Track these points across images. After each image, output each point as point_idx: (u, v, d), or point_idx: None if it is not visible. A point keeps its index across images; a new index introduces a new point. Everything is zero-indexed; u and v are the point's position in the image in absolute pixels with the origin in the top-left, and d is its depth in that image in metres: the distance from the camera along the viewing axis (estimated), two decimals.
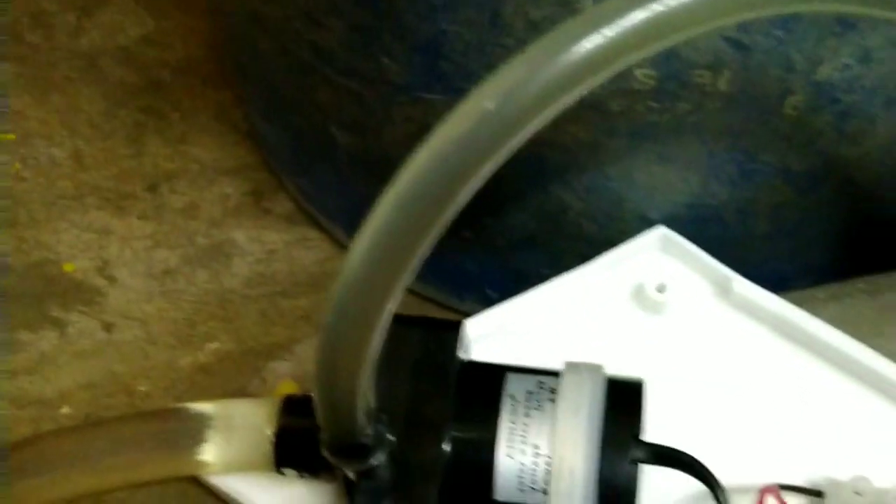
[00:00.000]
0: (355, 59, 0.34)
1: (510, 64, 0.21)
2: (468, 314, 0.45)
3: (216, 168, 0.51)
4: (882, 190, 0.38)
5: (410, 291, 0.47)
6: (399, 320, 0.30)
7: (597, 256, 0.38)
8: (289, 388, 0.45)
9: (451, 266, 0.43)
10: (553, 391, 0.29)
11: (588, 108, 0.32)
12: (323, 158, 0.42)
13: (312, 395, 0.26)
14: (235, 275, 0.48)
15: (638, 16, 0.20)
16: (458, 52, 0.31)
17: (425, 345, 0.30)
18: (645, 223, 0.38)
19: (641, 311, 0.37)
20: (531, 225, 0.38)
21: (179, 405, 0.33)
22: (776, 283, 0.38)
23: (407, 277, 0.22)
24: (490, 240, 0.40)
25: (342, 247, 0.48)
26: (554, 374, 0.30)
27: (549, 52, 0.20)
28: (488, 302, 0.44)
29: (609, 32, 0.20)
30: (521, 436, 0.29)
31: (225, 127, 0.52)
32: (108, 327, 0.46)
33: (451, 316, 0.46)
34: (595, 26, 0.20)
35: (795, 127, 0.33)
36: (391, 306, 0.23)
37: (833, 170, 0.35)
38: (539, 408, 0.29)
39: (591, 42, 0.20)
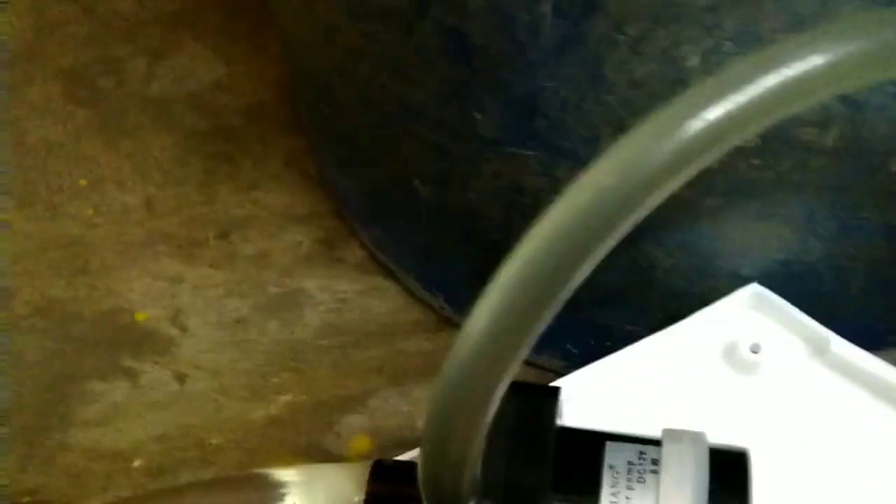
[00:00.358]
0: (444, 113, 0.33)
1: (631, 134, 0.20)
2: (545, 368, 0.45)
3: (287, 216, 0.51)
4: None
5: None
6: None
7: (688, 314, 0.37)
8: (363, 443, 0.44)
9: None
10: (655, 462, 0.28)
11: None
12: (401, 209, 0.41)
13: (417, 462, 0.25)
14: (307, 325, 0.47)
15: (768, 81, 0.20)
16: (555, 108, 0.30)
17: (522, 411, 0.29)
18: (737, 280, 0.37)
19: (734, 371, 0.36)
20: (618, 281, 0.37)
21: (259, 471, 0.32)
22: (871, 341, 0.36)
23: (522, 355, 0.22)
24: (574, 295, 0.39)
25: (414, 297, 0.47)
26: (654, 442, 0.29)
27: (675, 121, 0.20)
28: (567, 356, 0.43)
29: (740, 98, 0.19)
30: None
31: (296, 174, 0.52)
32: (180, 378, 0.45)
33: (533, 373, 0.45)
34: (721, 93, 0.19)
35: None
36: (505, 382, 0.22)
37: None
38: (641, 480, 0.28)
39: (716, 111, 0.19)
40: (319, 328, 0.47)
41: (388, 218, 0.44)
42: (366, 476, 0.30)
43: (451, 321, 0.46)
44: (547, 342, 0.43)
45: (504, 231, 0.38)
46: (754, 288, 0.36)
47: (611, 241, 0.21)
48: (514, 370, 0.22)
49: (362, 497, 0.29)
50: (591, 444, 0.29)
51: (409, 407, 0.44)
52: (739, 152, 0.30)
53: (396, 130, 0.36)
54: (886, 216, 0.33)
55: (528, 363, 0.45)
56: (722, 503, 0.27)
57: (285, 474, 0.31)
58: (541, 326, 0.21)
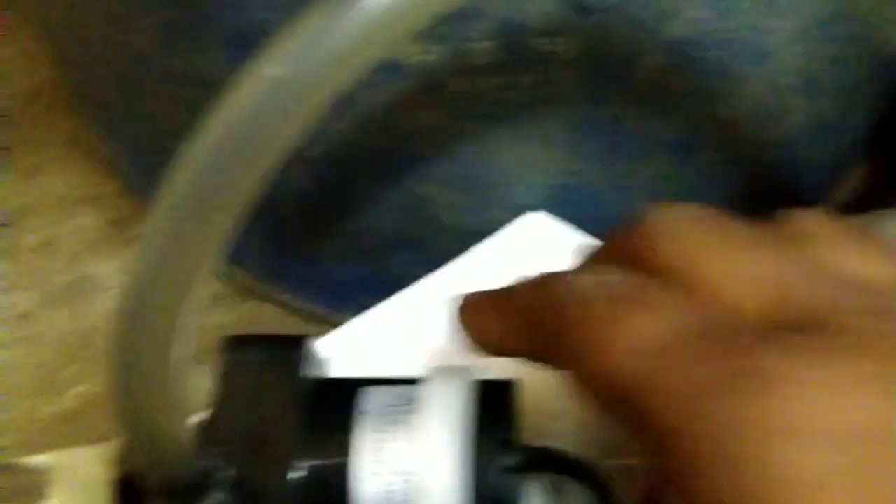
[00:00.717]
0: (174, 61, 0.31)
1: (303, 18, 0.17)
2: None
3: (73, 199, 0.47)
4: (765, 152, 0.36)
5: (289, 308, 0.44)
6: (232, 342, 0.27)
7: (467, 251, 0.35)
8: None
9: (323, 277, 0.40)
10: (414, 401, 0.26)
11: (430, 90, 0.29)
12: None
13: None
14: (98, 312, 0.44)
15: None
16: None
17: (265, 366, 0.27)
18: (518, 210, 0.35)
19: None
20: (395, 224, 0.35)
21: (14, 461, 0.30)
22: None
23: (199, 284, 0.19)
24: (357, 245, 0.37)
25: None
26: (416, 382, 0.27)
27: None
28: (364, 310, 0.41)
29: None
30: (382, 455, 0.26)
31: (80, 155, 0.49)
32: None
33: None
34: None
35: (656, 92, 0.30)
36: (193, 299, 0.19)
37: (706, 135, 0.33)
38: (399, 421, 0.26)
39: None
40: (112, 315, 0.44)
41: None
42: (117, 456, 0.28)
43: (252, 290, 0.44)
44: (344, 299, 0.41)
45: (280, 188, 0.36)
46: (536, 216, 0.35)
47: (285, 140, 0.18)
48: (198, 289, 0.19)
49: (114, 476, 0.27)
50: (343, 393, 0.27)
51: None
52: (476, 71, 0.29)
53: (138, 88, 0.34)
54: (653, 129, 0.32)
55: (327, 321, 0.43)
56: (485, 436, 0.25)
57: (42, 461, 0.29)
58: (217, 240, 0.18)
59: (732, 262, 0.20)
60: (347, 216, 0.36)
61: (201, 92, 0.32)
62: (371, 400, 0.26)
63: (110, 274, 0.45)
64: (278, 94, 0.17)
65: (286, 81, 0.17)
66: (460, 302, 0.25)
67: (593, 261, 0.24)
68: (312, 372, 0.27)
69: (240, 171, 0.18)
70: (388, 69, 0.29)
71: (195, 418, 0.28)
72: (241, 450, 0.25)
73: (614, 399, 0.20)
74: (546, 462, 0.26)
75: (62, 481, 0.28)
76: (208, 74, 0.30)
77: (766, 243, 0.20)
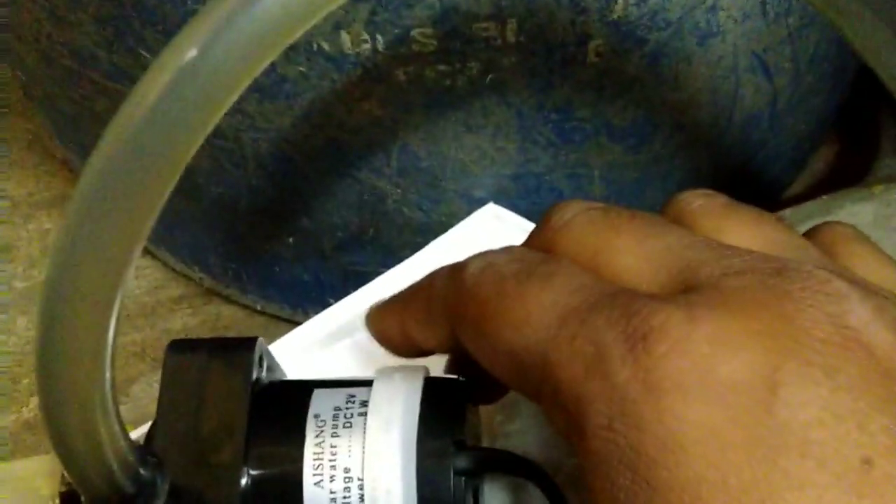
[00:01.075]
0: (116, 57, 0.30)
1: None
2: None
3: (32, 203, 0.47)
4: (723, 136, 0.36)
5: (253, 310, 0.43)
6: (178, 346, 0.26)
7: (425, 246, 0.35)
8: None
9: (285, 277, 0.39)
10: (364, 404, 0.25)
11: (375, 81, 0.29)
12: None
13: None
14: None
15: None
16: None
17: (213, 370, 0.26)
18: (473, 203, 0.35)
19: None
20: (351, 220, 0.35)
21: None
22: None
23: (122, 274, 0.18)
24: (315, 243, 0.36)
25: (175, 271, 0.44)
26: (368, 383, 0.26)
27: None
28: None
29: None
30: (330, 460, 0.25)
31: (39, 157, 0.48)
32: None
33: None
34: None
35: (605, 75, 0.30)
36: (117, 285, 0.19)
37: (659, 120, 0.33)
38: (348, 424, 0.25)
39: None
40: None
41: None
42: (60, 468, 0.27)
43: (216, 292, 0.43)
44: (307, 298, 0.41)
45: (235, 188, 0.35)
46: (490, 208, 0.34)
47: (200, 124, 0.18)
48: (124, 272, 0.19)
49: (58, 490, 0.26)
50: (296, 396, 0.26)
51: None
52: (420, 59, 0.28)
53: (84, 87, 0.33)
54: (603, 113, 0.32)
55: (291, 321, 0.42)
56: (434, 438, 0.24)
57: None
58: (139, 223, 0.18)
59: (628, 244, 0.21)
60: (302, 214, 0.35)
61: None
62: (323, 402, 0.25)
63: None
64: (192, 78, 0.17)
65: (199, 65, 0.17)
66: (368, 311, 0.26)
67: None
68: (264, 374, 0.26)
69: (156, 156, 0.17)
70: (329, 59, 0.28)
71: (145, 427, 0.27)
72: (185, 458, 0.24)
73: (525, 373, 0.20)
74: (498, 463, 0.26)
75: (5, 494, 0.28)
76: None
77: (657, 225, 0.22)
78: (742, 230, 0.22)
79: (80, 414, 0.20)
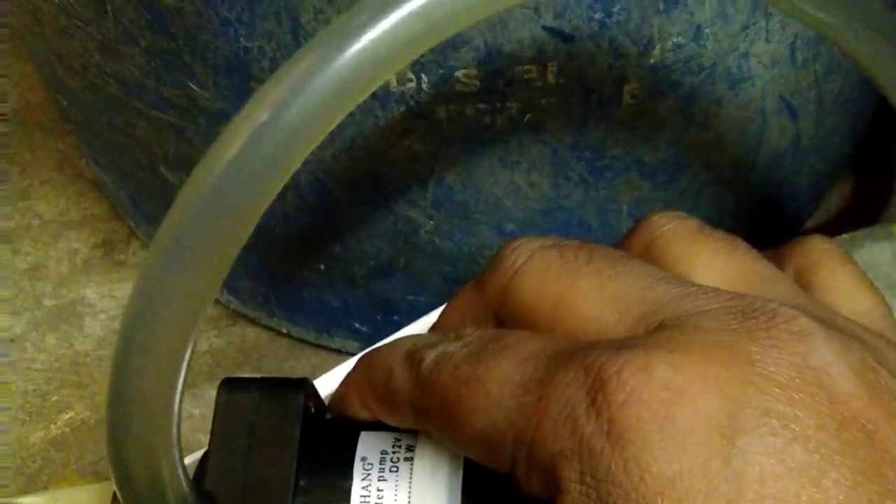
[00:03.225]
0: (164, 88, 0.31)
1: (290, 63, 0.18)
2: (340, 351, 0.43)
3: (62, 222, 0.48)
4: (748, 174, 0.36)
5: (278, 332, 0.44)
6: (230, 385, 0.26)
7: (465, 279, 0.35)
8: None
9: (313, 302, 0.40)
10: (410, 449, 0.25)
11: (416, 117, 0.30)
12: (158, 200, 0.39)
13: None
14: (88, 336, 0.44)
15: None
16: (266, 69, 0.29)
17: (263, 409, 0.26)
18: (503, 235, 0.35)
19: None
20: (384, 249, 0.36)
21: (6, 501, 0.30)
22: None
23: (205, 303, 0.19)
24: (346, 270, 0.37)
25: None
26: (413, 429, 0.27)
27: (329, 49, 0.17)
28: (358, 336, 0.42)
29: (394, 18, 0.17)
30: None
31: (69, 177, 0.49)
32: None
33: (323, 356, 0.43)
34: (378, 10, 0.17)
35: (638, 116, 0.31)
36: (190, 335, 0.19)
37: (688, 158, 0.34)
38: (394, 469, 0.25)
39: (378, 29, 0.17)
40: (101, 338, 0.44)
41: (154, 211, 0.41)
42: (111, 494, 0.27)
43: (243, 315, 0.44)
44: (335, 323, 0.41)
45: (270, 216, 0.36)
46: None
47: (272, 184, 0.18)
48: (188, 337, 0.19)
49: None
50: (344, 437, 0.26)
51: (202, 409, 0.42)
52: (463, 98, 0.29)
53: (127, 114, 0.34)
54: (635, 152, 0.33)
55: (321, 346, 0.43)
56: (481, 486, 0.24)
57: (27, 502, 0.29)
58: (211, 280, 0.18)
59: (589, 289, 0.21)
60: (335, 242, 0.36)
61: (191, 119, 0.32)
62: (370, 446, 0.26)
63: (99, 297, 0.45)
64: (265, 140, 0.18)
65: (272, 127, 0.17)
66: (332, 396, 0.27)
67: (458, 308, 0.25)
68: (313, 414, 0.27)
69: (228, 217, 0.18)
70: (373, 97, 0.29)
71: (189, 459, 0.28)
72: (235, 496, 0.25)
73: (497, 449, 0.20)
74: None
75: None
76: (198, 102, 0.30)
77: (617, 264, 0.21)
78: (713, 259, 0.22)
79: (147, 461, 0.21)
